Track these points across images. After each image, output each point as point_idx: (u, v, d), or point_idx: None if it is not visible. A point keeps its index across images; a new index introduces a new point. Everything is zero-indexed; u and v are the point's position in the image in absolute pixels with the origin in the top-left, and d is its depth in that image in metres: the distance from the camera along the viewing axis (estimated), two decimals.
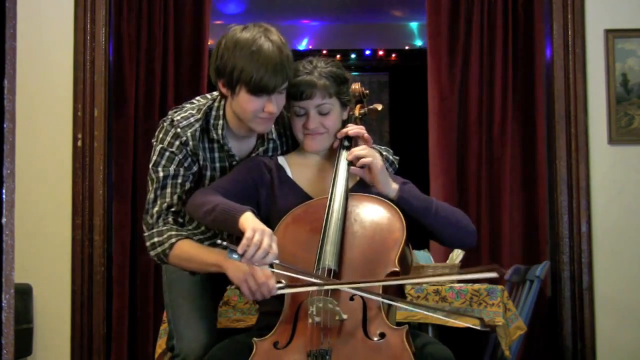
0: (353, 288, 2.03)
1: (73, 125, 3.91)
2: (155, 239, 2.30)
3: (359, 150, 2.28)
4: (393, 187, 2.25)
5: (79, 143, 3.90)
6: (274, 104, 2.22)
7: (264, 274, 2.06)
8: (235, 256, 1.95)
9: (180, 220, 2.36)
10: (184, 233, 2.31)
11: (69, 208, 3.89)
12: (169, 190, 2.32)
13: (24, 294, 3.76)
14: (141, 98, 4.40)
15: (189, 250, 2.27)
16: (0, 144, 0.99)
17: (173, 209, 2.33)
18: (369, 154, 2.26)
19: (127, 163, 4.34)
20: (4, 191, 0.99)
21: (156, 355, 3.02)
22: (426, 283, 2.93)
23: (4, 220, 0.99)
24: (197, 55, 4.46)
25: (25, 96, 3.76)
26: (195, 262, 2.27)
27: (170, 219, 2.32)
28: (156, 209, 2.32)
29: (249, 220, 2.02)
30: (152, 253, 2.31)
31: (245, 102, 2.21)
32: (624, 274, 3.88)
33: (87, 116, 3.91)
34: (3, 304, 0.98)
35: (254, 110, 2.21)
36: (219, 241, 2.01)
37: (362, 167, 2.27)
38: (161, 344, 2.95)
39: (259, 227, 2.00)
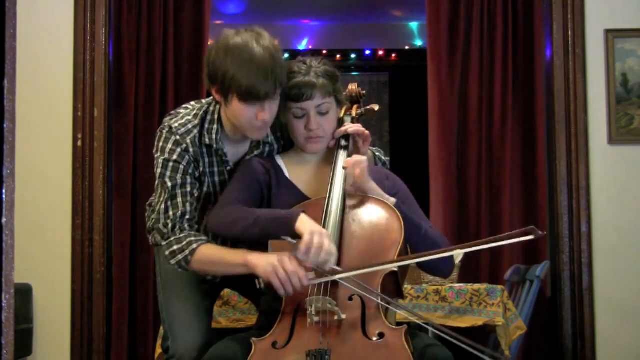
0: (358, 278, 2.03)
1: (73, 125, 3.91)
2: (175, 247, 2.26)
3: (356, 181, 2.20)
4: (391, 201, 2.22)
5: (79, 143, 3.90)
6: (267, 112, 2.19)
7: (293, 265, 2.03)
8: (300, 256, 2.01)
9: (196, 226, 2.34)
10: (203, 238, 2.28)
11: (69, 208, 3.89)
12: (179, 199, 2.29)
13: (24, 294, 3.76)
14: (141, 98, 4.39)
15: (213, 254, 2.24)
16: (0, 144, 0.99)
17: (187, 217, 2.30)
18: (361, 180, 2.20)
19: (127, 163, 4.33)
20: (4, 191, 0.99)
21: (156, 356, 3.02)
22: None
23: (4, 220, 0.99)
24: (197, 55, 4.46)
25: (25, 96, 3.76)
26: (220, 264, 2.23)
27: (186, 226, 2.29)
28: (170, 218, 2.28)
29: (305, 224, 2.05)
30: (172, 261, 2.27)
31: (238, 110, 2.19)
32: (624, 274, 3.89)
33: (87, 116, 3.91)
34: (3, 304, 0.98)
35: (247, 118, 2.19)
36: (283, 237, 2.02)
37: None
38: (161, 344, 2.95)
39: (317, 229, 2.03)
